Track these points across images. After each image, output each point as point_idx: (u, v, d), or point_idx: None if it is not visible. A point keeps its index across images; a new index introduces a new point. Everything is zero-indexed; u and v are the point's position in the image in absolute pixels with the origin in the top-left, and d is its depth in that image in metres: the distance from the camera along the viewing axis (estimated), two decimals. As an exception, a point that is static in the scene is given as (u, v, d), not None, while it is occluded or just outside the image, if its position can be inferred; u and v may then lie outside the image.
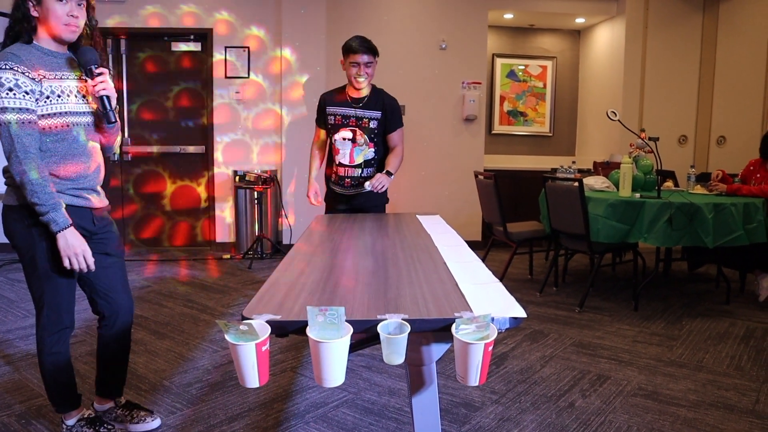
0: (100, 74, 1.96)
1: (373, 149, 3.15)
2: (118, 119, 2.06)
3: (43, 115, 1.90)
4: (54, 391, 2.11)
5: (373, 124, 3.13)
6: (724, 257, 4.34)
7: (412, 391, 1.50)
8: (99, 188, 2.12)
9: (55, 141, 1.94)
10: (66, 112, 1.95)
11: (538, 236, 4.65)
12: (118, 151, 2.23)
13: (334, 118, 3.16)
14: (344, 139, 3.14)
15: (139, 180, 5.96)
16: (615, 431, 2.29)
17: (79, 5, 1.95)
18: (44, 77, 1.90)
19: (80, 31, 1.99)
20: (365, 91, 3.13)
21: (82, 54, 1.97)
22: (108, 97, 1.98)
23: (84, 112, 2.02)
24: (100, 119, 2.06)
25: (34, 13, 1.91)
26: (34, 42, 1.94)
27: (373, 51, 3.04)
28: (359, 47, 3.01)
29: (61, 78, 1.96)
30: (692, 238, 3.77)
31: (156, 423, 2.30)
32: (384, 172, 3.09)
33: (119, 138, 2.23)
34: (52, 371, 2.06)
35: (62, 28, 1.92)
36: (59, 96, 1.94)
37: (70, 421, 2.15)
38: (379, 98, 3.15)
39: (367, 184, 3.04)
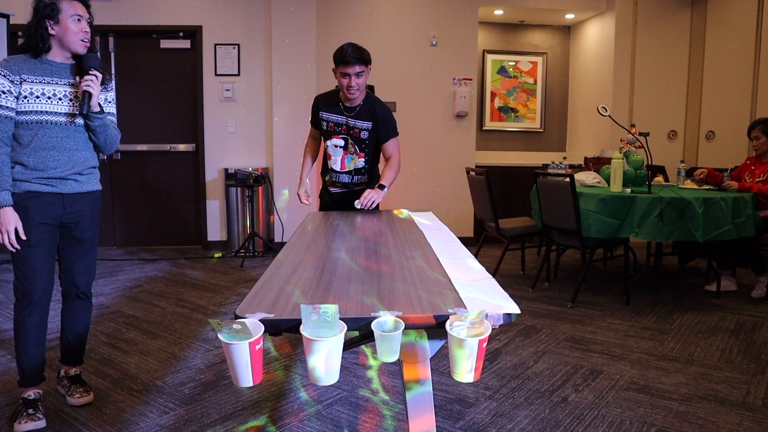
0: (90, 73, 2.25)
1: (363, 159, 3.13)
2: (99, 115, 2.33)
3: (19, 112, 2.22)
4: (17, 360, 2.32)
5: (363, 135, 3.08)
6: (713, 254, 4.37)
7: (406, 388, 1.50)
8: (77, 177, 2.38)
9: (29, 135, 2.23)
10: (39, 111, 2.24)
11: (530, 232, 4.66)
12: (113, 150, 2.54)
13: (327, 125, 3.12)
14: (336, 146, 3.13)
15: (129, 179, 5.93)
16: (608, 425, 2.30)
17: (89, 22, 2.31)
18: (25, 80, 2.21)
19: (89, 44, 2.33)
20: (358, 100, 3.05)
21: (86, 60, 2.29)
22: (89, 94, 2.25)
23: (62, 113, 2.29)
24: (85, 117, 2.32)
25: (52, 32, 2.24)
26: (42, 57, 2.27)
27: (364, 61, 2.90)
28: (350, 57, 2.86)
29: (49, 83, 2.26)
30: (683, 233, 3.79)
31: (82, 401, 2.47)
32: (377, 185, 3.04)
33: (108, 137, 2.44)
34: (16, 339, 2.31)
35: (78, 43, 2.27)
36: (38, 97, 2.24)
37: (22, 395, 2.36)
38: (371, 108, 3.07)
39: (356, 202, 2.99)
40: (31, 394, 2.34)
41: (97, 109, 2.31)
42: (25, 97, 2.21)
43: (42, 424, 2.27)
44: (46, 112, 2.25)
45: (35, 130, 2.23)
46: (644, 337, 3.35)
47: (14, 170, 2.24)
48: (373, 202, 2.99)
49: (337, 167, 3.16)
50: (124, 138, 5.84)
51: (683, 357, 3.05)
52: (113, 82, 2.54)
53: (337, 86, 3.10)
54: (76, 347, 2.53)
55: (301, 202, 3.25)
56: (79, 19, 2.25)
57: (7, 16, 4.98)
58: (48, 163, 2.27)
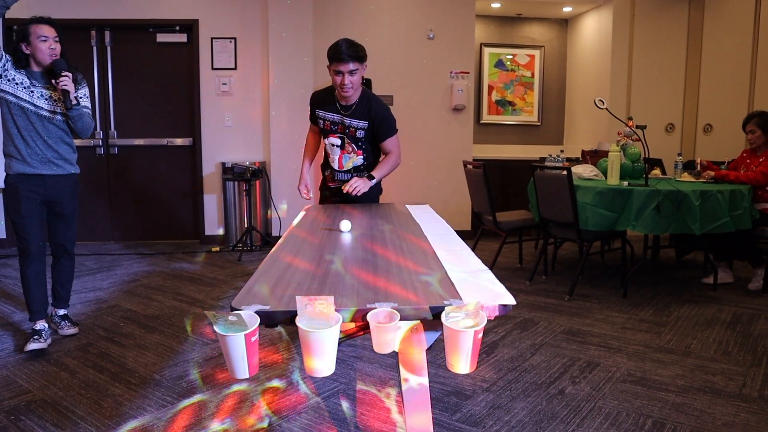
0: (63, 75, 2.90)
1: (361, 156, 3.11)
2: (76, 106, 2.99)
3: (8, 92, 2.90)
4: (26, 300, 3.05)
5: (360, 134, 3.05)
6: (710, 246, 4.37)
7: (402, 380, 1.51)
8: (56, 161, 3.03)
9: (16, 117, 2.92)
10: (27, 100, 2.91)
11: (527, 225, 4.67)
12: (89, 134, 3.18)
13: (323, 123, 3.09)
14: (333, 145, 3.11)
15: (126, 173, 5.91)
16: (604, 417, 2.31)
17: (56, 41, 2.94)
18: (18, 72, 2.92)
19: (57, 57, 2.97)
20: (354, 98, 2.99)
21: (56, 64, 2.92)
22: (67, 91, 2.91)
23: (43, 107, 2.96)
24: (67, 109, 2.98)
25: (26, 51, 2.91)
26: (27, 68, 2.95)
27: (359, 58, 2.82)
28: (343, 55, 2.78)
29: (29, 85, 2.93)
30: (680, 226, 3.80)
31: (70, 332, 3.23)
32: (366, 175, 3.03)
33: (84, 124, 3.07)
34: (23, 286, 3.03)
35: (46, 58, 2.92)
36: (31, 92, 2.93)
37: (33, 326, 3.07)
38: (366, 107, 3.01)
39: (343, 187, 3.01)
40: (38, 324, 3.04)
41: (75, 102, 2.97)
42: (18, 84, 2.89)
43: (44, 345, 2.97)
44: (30, 102, 2.92)
45: (22, 115, 2.91)
46: (641, 330, 3.36)
47: (9, 154, 2.96)
48: (359, 190, 2.97)
49: (336, 166, 3.15)
50: (121, 133, 5.84)
51: (680, 349, 3.06)
52: (84, 81, 3.12)
53: (331, 84, 3.08)
54: (63, 293, 3.29)
55: (302, 196, 3.25)
56: (44, 40, 2.88)
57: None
58: (29, 144, 2.95)
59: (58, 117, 3.02)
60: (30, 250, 2.99)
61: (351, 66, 2.82)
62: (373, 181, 3.03)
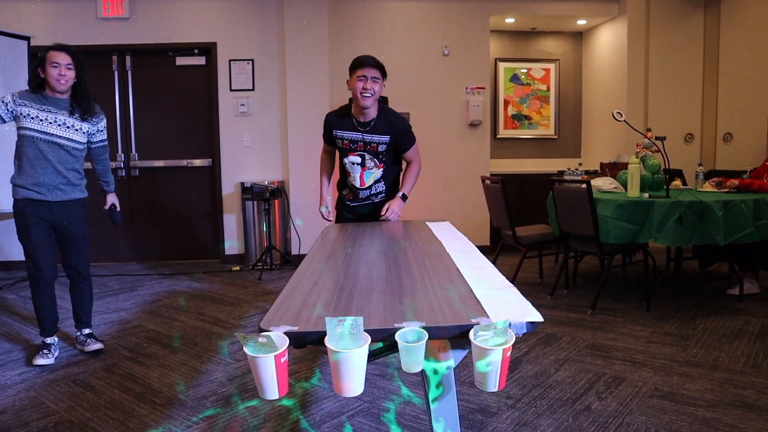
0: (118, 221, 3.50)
1: (382, 169, 3.15)
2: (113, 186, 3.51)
3: (19, 127, 3.04)
4: (38, 319, 3.21)
5: (381, 148, 3.08)
6: (735, 257, 4.31)
7: (430, 399, 1.50)
8: (62, 187, 3.12)
9: (25, 147, 3.03)
10: (36, 129, 3.02)
11: (548, 239, 4.64)
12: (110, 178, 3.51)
13: (342, 142, 3.11)
14: (353, 163, 3.13)
15: (147, 194, 6.00)
16: (633, 433, 2.28)
17: (68, 68, 3.05)
18: (24, 105, 3.02)
19: (69, 84, 3.09)
20: (372, 113, 3.02)
21: (114, 217, 3.49)
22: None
23: (53, 134, 3.05)
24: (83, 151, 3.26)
25: (42, 75, 3.05)
26: (41, 91, 3.09)
27: (380, 67, 2.95)
28: (367, 60, 2.92)
29: (43, 110, 3.04)
30: (703, 236, 3.75)
31: (95, 347, 3.31)
32: (400, 195, 3.13)
33: (106, 165, 3.42)
34: (35, 306, 3.19)
35: (55, 82, 3.04)
36: (41, 120, 3.03)
37: (44, 340, 3.24)
38: (387, 121, 3.05)
39: (381, 216, 3.12)
40: (48, 339, 3.22)
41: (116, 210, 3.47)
42: (17, 117, 3.02)
43: (51, 361, 3.15)
44: (39, 131, 3.02)
45: (29, 144, 3.02)
46: (667, 343, 3.31)
47: (17, 183, 3.06)
48: (397, 216, 3.10)
49: (357, 184, 3.17)
50: (142, 155, 5.93)
51: (707, 362, 3.01)
52: (102, 113, 3.29)
53: (346, 103, 3.13)
54: (84, 315, 3.37)
55: (325, 219, 3.27)
56: (56, 66, 3.01)
57: (27, 38, 5.12)
58: (38, 171, 3.05)
59: (71, 144, 3.12)
60: (41, 277, 3.10)
61: (373, 72, 2.92)
62: (407, 201, 3.14)
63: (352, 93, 2.98)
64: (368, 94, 2.92)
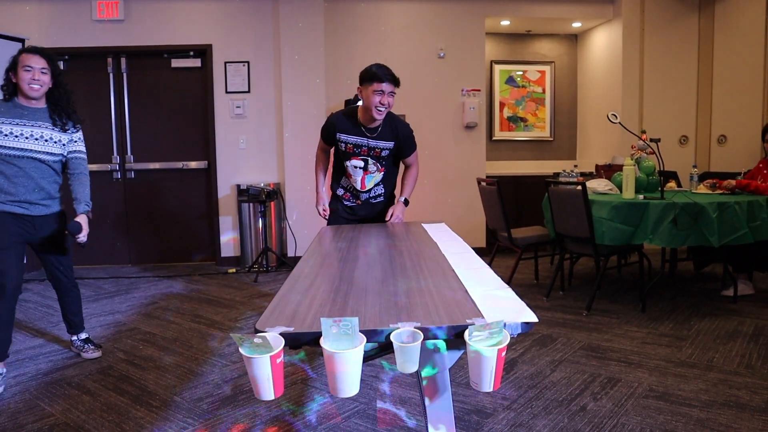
0: (77, 237, 2.93)
1: (382, 172, 3.20)
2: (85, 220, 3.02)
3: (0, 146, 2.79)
4: None
5: (384, 153, 3.12)
6: (729, 258, 4.33)
7: (425, 400, 1.51)
8: (44, 202, 2.93)
9: (4, 165, 2.80)
10: (12, 147, 2.79)
11: (543, 241, 4.65)
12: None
13: (345, 146, 3.11)
14: (355, 167, 3.15)
15: (143, 196, 5.99)
16: (628, 434, 2.29)
17: (43, 72, 2.81)
18: (4, 122, 2.77)
19: (44, 90, 2.85)
20: (379, 120, 3.05)
21: (70, 228, 2.92)
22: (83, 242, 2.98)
23: (29, 149, 2.83)
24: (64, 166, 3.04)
25: (14, 80, 2.82)
26: (14, 99, 2.85)
27: (396, 81, 2.95)
28: (384, 75, 2.90)
29: (18, 124, 2.80)
30: (697, 238, 3.77)
31: (94, 355, 3.25)
32: (402, 201, 3.21)
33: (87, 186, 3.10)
34: None
35: (27, 88, 2.80)
36: (16, 137, 2.79)
37: None
38: (392, 128, 3.09)
39: (387, 219, 3.21)
40: None
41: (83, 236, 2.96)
42: (5, 135, 2.77)
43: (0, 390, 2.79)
44: (16, 148, 2.80)
45: (9, 160, 2.79)
46: (661, 344, 3.33)
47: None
48: (400, 219, 3.19)
49: (358, 186, 3.20)
50: (138, 157, 5.93)
51: (702, 363, 3.03)
52: (79, 126, 3.07)
53: (348, 107, 3.14)
54: (76, 320, 3.28)
55: (322, 217, 3.28)
56: (28, 70, 2.77)
57: (22, 41, 5.11)
58: (19, 189, 2.84)
59: (51, 158, 2.91)
60: (4, 283, 2.78)
61: (389, 87, 2.93)
62: (408, 204, 3.24)
63: (365, 103, 2.99)
64: (382, 109, 2.95)
